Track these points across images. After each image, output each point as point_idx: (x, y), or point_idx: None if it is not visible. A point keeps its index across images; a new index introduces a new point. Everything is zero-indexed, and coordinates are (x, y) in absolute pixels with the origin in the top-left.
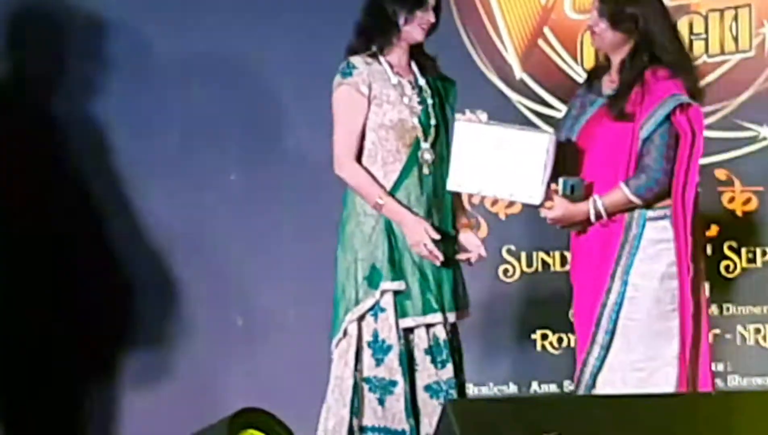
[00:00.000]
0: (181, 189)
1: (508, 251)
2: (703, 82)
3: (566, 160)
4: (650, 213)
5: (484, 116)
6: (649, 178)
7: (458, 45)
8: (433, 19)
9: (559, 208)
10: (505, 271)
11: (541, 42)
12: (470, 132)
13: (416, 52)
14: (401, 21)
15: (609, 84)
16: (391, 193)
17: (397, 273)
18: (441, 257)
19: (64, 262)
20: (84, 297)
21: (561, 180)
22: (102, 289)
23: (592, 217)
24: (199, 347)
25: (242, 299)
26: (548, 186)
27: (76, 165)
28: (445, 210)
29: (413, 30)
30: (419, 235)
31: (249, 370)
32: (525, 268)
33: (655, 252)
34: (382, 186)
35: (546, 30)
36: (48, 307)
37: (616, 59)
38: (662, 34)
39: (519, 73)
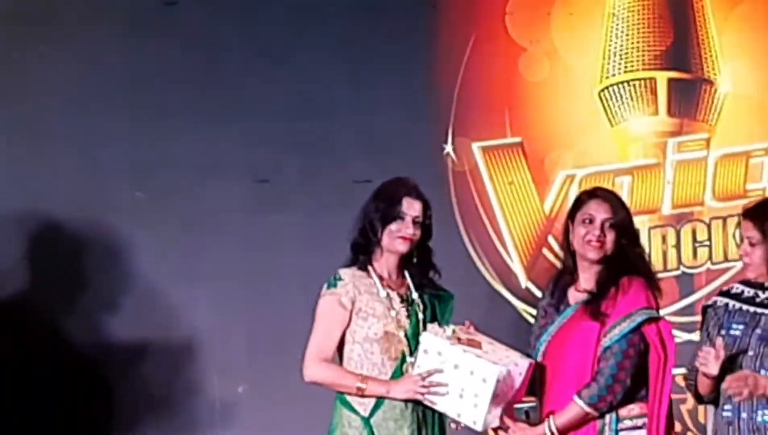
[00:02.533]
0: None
1: None
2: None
3: (533, 378)
4: (627, 422)
5: (449, 331)
6: (600, 386)
7: (463, 255)
8: (411, 230)
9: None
10: None
11: (545, 251)
12: (434, 346)
13: (411, 267)
14: (380, 234)
15: (576, 294)
16: (377, 406)
17: None
18: (442, 387)
19: None
20: None
21: (516, 407)
22: None
23: None
24: None
25: None
26: (503, 410)
27: (89, 381)
28: (432, 421)
29: (393, 242)
30: (408, 388)
31: None
32: None
33: None
34: (357, 374)
35: (550, 239)
36: None
37: (593, 269)
38: (637, 244)
39: (525, 282)
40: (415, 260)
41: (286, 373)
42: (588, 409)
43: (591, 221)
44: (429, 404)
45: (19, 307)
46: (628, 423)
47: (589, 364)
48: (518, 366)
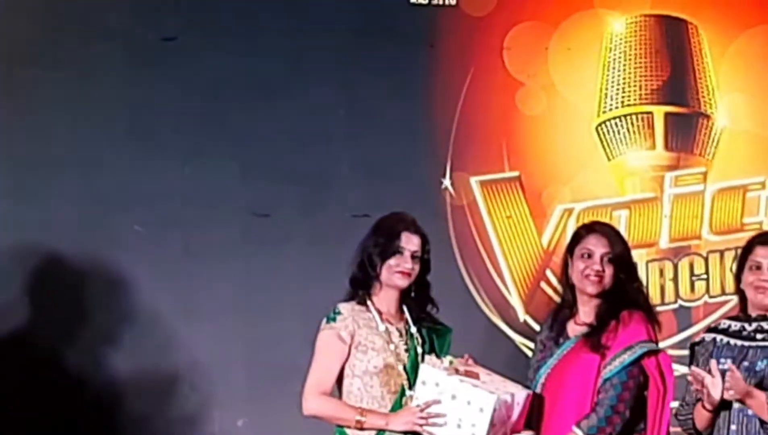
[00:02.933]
0: None
1: None
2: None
3: (531, 409)
4: None
5: (447, 362)
6: (599, 417)
7: (462, 289)
8: (409, 265)
9: None
10: None
11: (543, 284)
12: (431, 377)
13: (409, 301)
14: (379, 269)
15: (576, 327)
16: None
17: None
18: (440, 417)
19: None
20: None
21: None
22: None
23: None
24: None
25: None
26: None
27: (89, 414)
28: None
29: (392, 277)
30: (407, 419)
31: None
32: None
33: None
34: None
35: (548, 272)
36: None
37: (592, 302)
38: (635, 278)
39: (522, 316)
40: (413, 294)
41: (285, 407)
42: None
43: (590, 256)
44: None
45: (19, 341)
46: None
47: (588, 395)
48: (516, 396)
